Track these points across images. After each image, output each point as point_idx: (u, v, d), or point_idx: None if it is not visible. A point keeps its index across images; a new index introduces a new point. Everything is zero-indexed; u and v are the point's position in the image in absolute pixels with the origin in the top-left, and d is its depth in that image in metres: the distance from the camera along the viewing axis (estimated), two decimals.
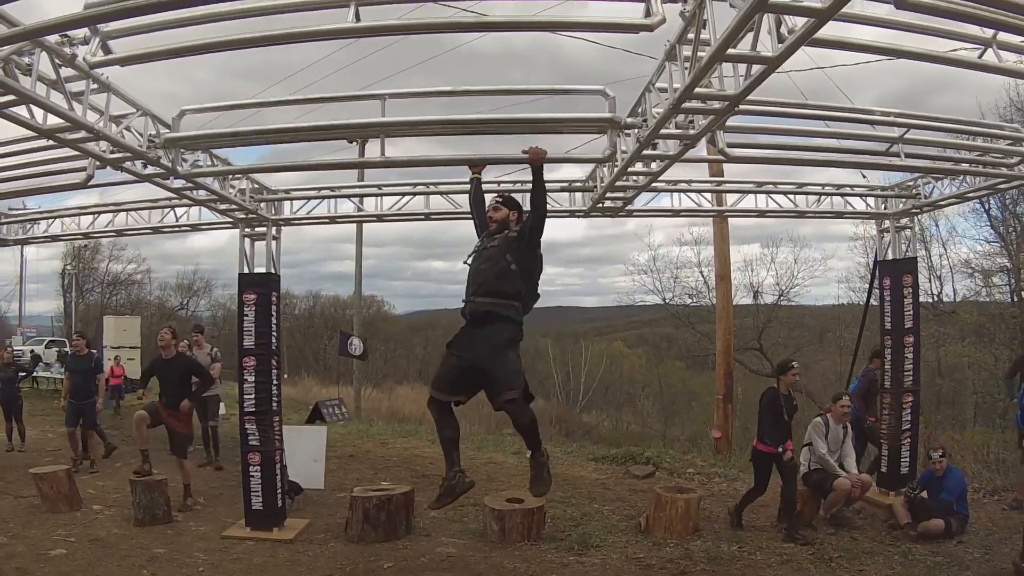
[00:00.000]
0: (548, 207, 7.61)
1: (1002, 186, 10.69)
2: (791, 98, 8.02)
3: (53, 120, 6.95)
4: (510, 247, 7.01)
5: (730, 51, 5.10)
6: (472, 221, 7.77)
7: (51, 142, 7.64)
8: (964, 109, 23.24)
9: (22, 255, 49.43)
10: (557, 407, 38.32)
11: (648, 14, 5.07)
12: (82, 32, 6.00)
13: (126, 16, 5.31)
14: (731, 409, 20.62)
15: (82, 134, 7.32)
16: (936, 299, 28.67)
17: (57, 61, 6.33)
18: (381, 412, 30.89)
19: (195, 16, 5.43)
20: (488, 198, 7.69)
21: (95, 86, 7.00)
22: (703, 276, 34.29)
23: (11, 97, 6.28)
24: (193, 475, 12.73)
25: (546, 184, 7.01)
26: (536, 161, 6.91)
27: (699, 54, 5.51)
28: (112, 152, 8.05)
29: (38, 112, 6.83)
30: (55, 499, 11.66)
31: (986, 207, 25.01)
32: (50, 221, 13.87)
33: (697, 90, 5.84)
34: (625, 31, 5.41)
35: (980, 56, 6.23)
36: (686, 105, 6.25)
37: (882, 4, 4.76)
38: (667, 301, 37.24)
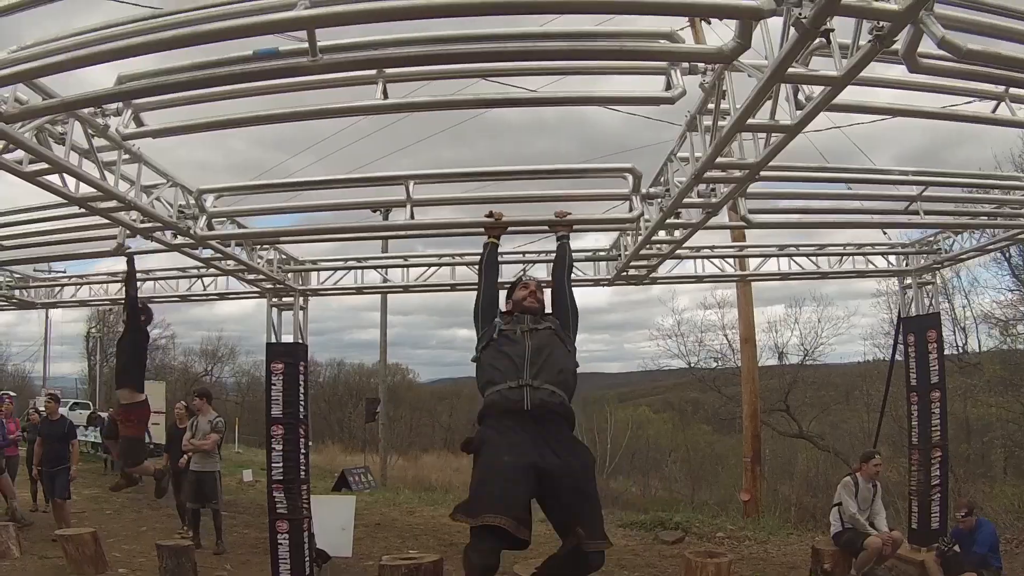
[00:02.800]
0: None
1: (1021, 236, 10.69)
2: (810, 159, 8.17)
3: (85, 189, 7.04)
4: (565, 337, 6.00)
5: (750, 121, 5.21)
6: (478, 282, 6.69)
7: (81, 210, 7.75)
8: (981, 162, 23.34)
9: (47, 317, 49.70)
10: None
11: (669, 87, 5.21)
12: (115, 104, 6.14)
13: (158, 93, 5.48)
14: (759, 471, 20.45)
15: (113, 203, 7.44)
16: (961, 351, 28.49)
17: (90, 131, 6.46)
18: (407, 480, 30.81)
19: (227, 91, 5.58)
20: (503, 269, 7.46)
21: (127, 156, 7.14)
22: (727, 339, 34.09)
23: (44, 165, 6.43)
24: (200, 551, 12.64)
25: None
26: (563, 225, 6.85)
27: (720, 123, 5.64)
28: (142, 221, 8.21)
29: (70, 180, 6.92)
30: (80, 561, 11.61)
31: (1007, 256, 24.84)
32: (77, 286, 13.98)
33: (718, 160, 5.95)
34: (647, 104, 5.55)
35: (994, 110, 6.26)
36: (708, 175, 6.35)
37: (895, 66, 4.85)
38: (692, 365, 37.14)
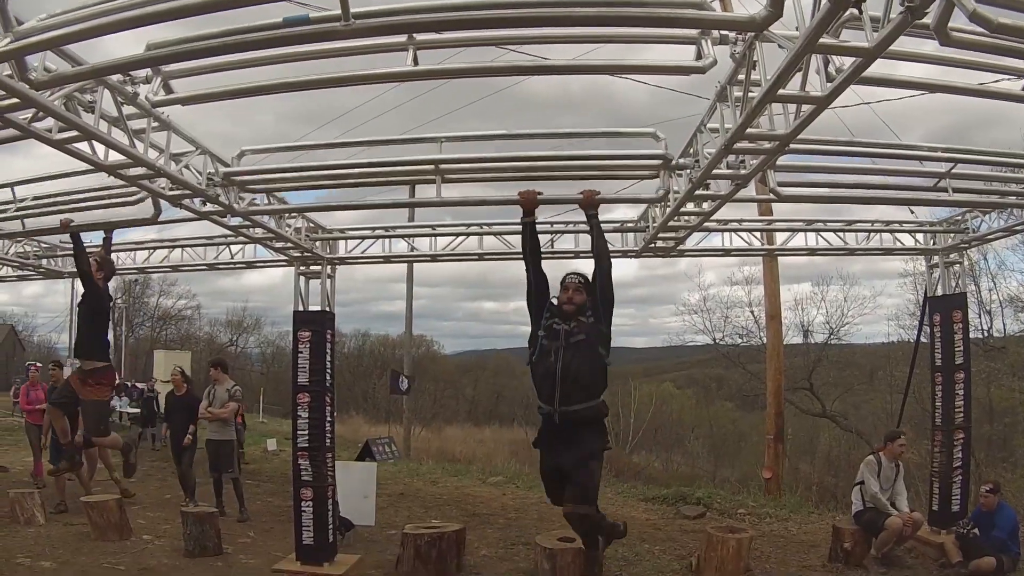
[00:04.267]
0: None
1: None
2: (839, 135, 8.08)
3: (114, 157, 7.11)
4: (599, 337, 6.78)
5: (780, 92, 5.19)
6: (526, 269, 7.23)
7: (110, 178, 7.88)
8: (1011, 142, 23.08)
9: (72, 287, 50.06)
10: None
11: (699, 56, 5.21)
12: (144, 72, 6.21)
13: (187, 58, 5.50)
14: (782, 449, 20.46)
15: (142, 170, 7.48)
16: (987, 335, 28.33)
17: (119, 99, 6.50)
18: (431, 452, 31.00)
19: (255, 59, 5.61)
20: (547, 269, 7.30)
21: (156, 124, 7.17)
22: (753, 316, 34.21)
23: (74, 133, 6.50)
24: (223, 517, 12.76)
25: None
26: (590, 204, 7.04)
27: (750, 94, 5.61)
28: (171, 189, 8.29)
29: (99, 148, 6.98)
30: (105, 528, 11.80)
31: None
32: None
33: (748, 131, 5.93)
34: (678, 73, 5.55)
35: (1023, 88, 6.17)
36: (737, 146, 6.34)
37: (927, 40, 4.82)
38: (717, 341, 37.18)
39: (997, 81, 6.44)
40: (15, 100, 5.66)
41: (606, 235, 10.70)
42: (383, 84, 6.24)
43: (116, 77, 6.19)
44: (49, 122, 6.41)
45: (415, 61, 5.29)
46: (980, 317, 28.69)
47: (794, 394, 31.03)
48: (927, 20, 4.35)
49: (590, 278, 7.03)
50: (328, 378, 11.18)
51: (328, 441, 11.06)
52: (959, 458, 11.75)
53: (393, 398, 32.17)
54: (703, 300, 37.79)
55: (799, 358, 34.07)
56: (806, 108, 5.67)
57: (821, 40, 4.41)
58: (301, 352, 11.15)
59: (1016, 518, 10.92)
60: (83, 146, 6.90)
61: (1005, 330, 28.51)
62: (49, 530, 12.11)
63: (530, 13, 4.52)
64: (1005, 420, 25.72)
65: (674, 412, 44.79)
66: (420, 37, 5.25)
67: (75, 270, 14.21)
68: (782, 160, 7.48)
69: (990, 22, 4.12)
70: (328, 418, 11.10)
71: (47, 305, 72.58)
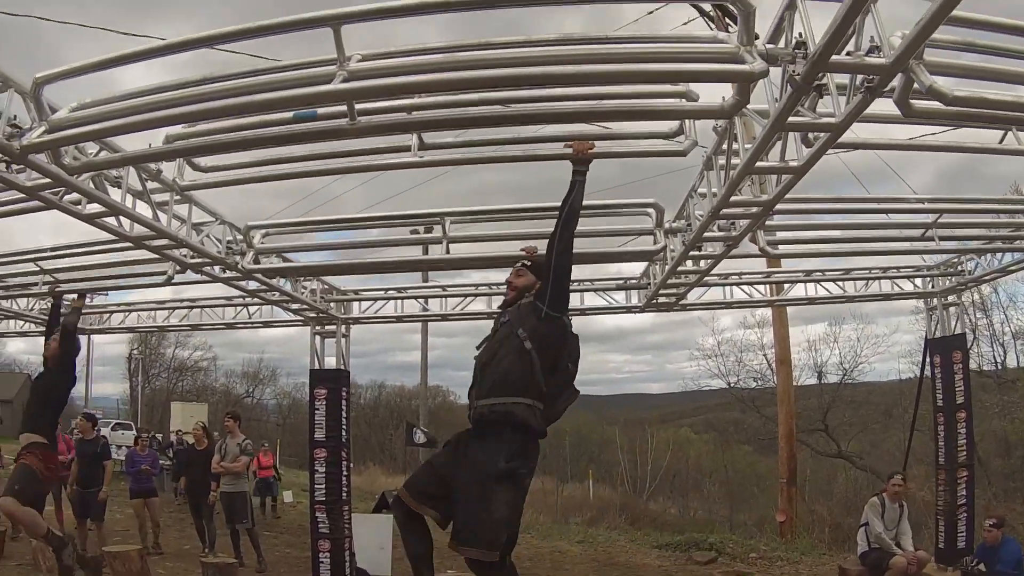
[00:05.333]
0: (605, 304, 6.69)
1: None
2: (845, 177, 8.47)
3: (139, 229, 7.46)
4: (524, 319, 5.39)
5: (758, 164, 5.57)
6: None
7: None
8: (1019, 174, 23.39)
9: (90, 339, 50.56)
10: (623, 495, 38.22)
11: (681, 130, 5.62)
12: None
13: (206, 153, 5.94)
14: (795, 492, 20.54)
15: (165, 241, 7.89)
16: (1000, 367, 28.45)
17: (144, 176, 6.94)
18: None
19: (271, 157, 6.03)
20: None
21: (178, 197, 7.56)
22: (767, 359, 34.13)
23: (102, 208, 6.87)
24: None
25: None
26: (582, 159, 5.33)
27: (733, 161, 5.99)
28: (191, 257, 8.69)
29: (125, 221, 7.34)
30: None
31: None
32: (125, 313, 14.42)
33: (733, 198, 6.30)
34: (662, 155, 5.98)
35: (1001, 140, 6.46)
36: (725, 211, 6.70)
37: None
38: (732, 385, 37.29)
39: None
40: (48, 180, 6.07)
41: (609, 292, 11.07)
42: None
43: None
44: (76, 195, 6.72)
45: (420, 141, 5.69)
46: (993, 350, 28.92)
47: (810, 436, 31.09)
48: (891, 93, 4.71)
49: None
50: (344, 433, 11.51)
51: (344, 494, 11.37)
52: (963, 496, 11.91)
53: (409, 449, 32.32)
54: (717, 345, 37.95)
55: (813, 399, 34.08)
56: (787, 176, 6.01)
57: (789, 119, 4.76)
58: (318, 409, 11.50)
59: (1020, 551, 11.09)
60: (110, 219, 7.27)
61: (1018, 362, 28.58)
62: None
63: (523, 110, 4.92)
64: (1018, 453, 25.78)
65: (691, 458, 44.72)
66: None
67: (97, 327, 14.73)
68: (777, 216, 7.85)
69: (945, 96, 4.48)
70: (344, 472, 11.42)
71: None
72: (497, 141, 6.15)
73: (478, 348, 5.62)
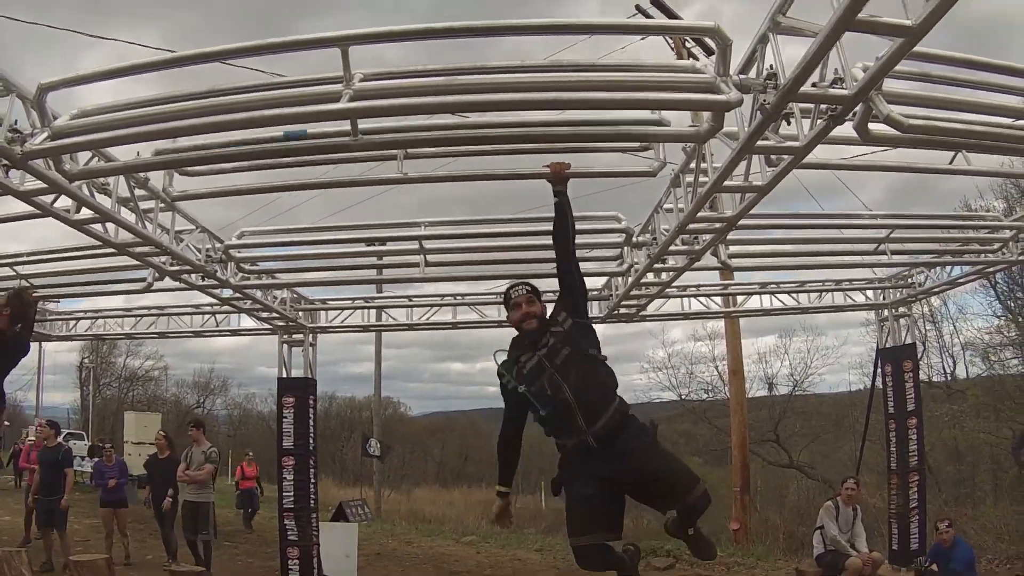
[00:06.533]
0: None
1: (988, 270, 11.47)
2: (798, 191, 8.87)
3: (123, 235, 7.66)
4: (579, 338, 5.43)
5: (725, 183, 5.93)
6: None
7: (109, 250, 8.34)
8: (968, 190, 24.10)
9: (41, 347, 49.82)
10: None
11: (649, 148, 5.96)
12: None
13: (199, 164, 6.18)
14: (749, 501, 20.88)
15: (148, 248, 8.09)
16: (951, 378, 29.09)
17: (132, 183, 7.16)
18: (402, 513, 31.20)
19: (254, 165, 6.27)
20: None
21: (163, 205, 7.81)
22: (718, 371, 34.49)
23: (91, 214, 7.07)
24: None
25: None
26: (560, 179, 5.48)
27: (701, 179, 6.34)
28: (171, 264, 8.87)
29: (110, 227, 7.53)
30: None
31: (992, 283, 25.30)
32: (92, 320, 14.42)
33: (698, 215, 6.65)
34: (633, 176, 6.40)
35: (951, 161, 6.79)
36: (690, 226, 7.06)
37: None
38: (683, 397, 37.60)
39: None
40: (43, 185, 6.25)
41: None
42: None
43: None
44: (66, 202, 6.90)
45: (402, 166, 5.98)
46: (943, 361, 29.53)
47: (761, 446, 31.46)
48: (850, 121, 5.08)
49: (555, 276, 5.77)
50: (311, 442, 11.73)
51: (312, 502, 11.55)
52: (915, 499, 12.37)
53: (363, 460, 32.41)
54: (668, 357, 38.22)
55: (765, 411, 34.50)
56: (750, 195, 6.37)
57: (758, 143, 5.10)
58: (286, 417, 11.68)
59: (972, 552, 11.56)
60: (96, 225, 7.45)
61: (968, 373, 29.19)
62: None
63: (510, 133, 5.24)
64: (967, 460, 26.41)
65: None
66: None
67: (64, 334, 14.65)
68: (736, 232, 8.21)
69: (901, 124, 4.86)
70: (312, 480, 11.61)
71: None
72: (476, 152, 6.44)
73: (541, 405, 5.33)
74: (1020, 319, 26.11)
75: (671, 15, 18.79)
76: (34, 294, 9.56)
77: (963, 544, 11.49)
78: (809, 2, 4.33)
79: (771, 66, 4.60)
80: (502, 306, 6.22)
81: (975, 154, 6.69)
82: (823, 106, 4.93)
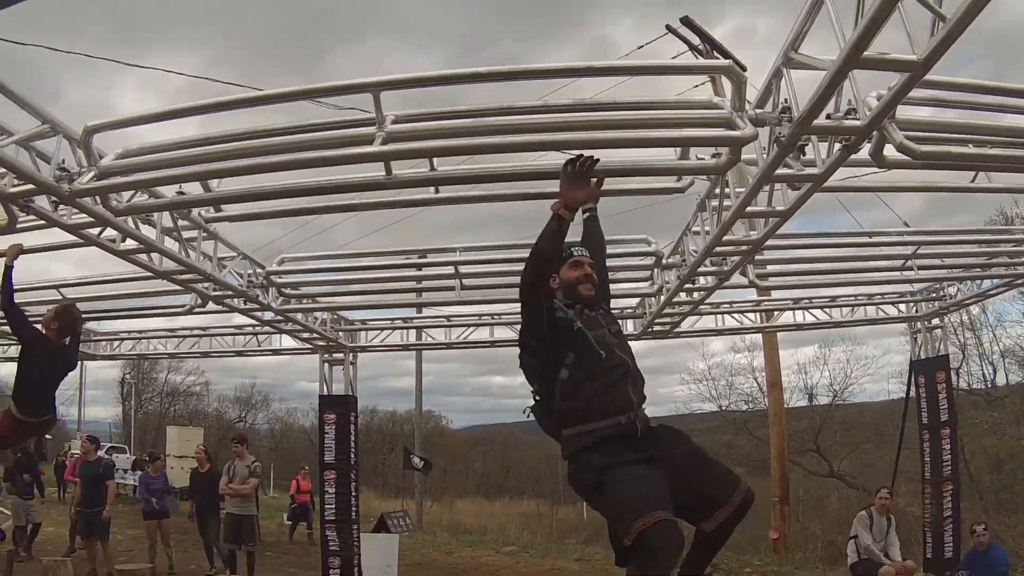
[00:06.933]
0: None
1: (1017, 281, 11.49)
2: (833, 203, 9.03)
3: (167, 264, 7.99)
4: (615, 320, 5.03)
5: (748, 209, 6.13)
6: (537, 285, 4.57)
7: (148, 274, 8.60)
8: (1005, 198, 24.03)
9: (82, 365, 50.55)
10: None
11: (679, 178, 6.16)
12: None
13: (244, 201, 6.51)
14: (787, 511, 20.87)
15: (192, 275, 8.43)
16: (991, 385, 28.97)
17: (176, 214, 7.43)
18: (443, 524, 31.46)
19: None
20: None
21: (205, 235, 8.10)
22: (757, 382, 34.54)
23: (137, 244, 7.38)
24: None
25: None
26: (592, 197, 5.05)
27: (726, 203, 6.55)
28: (214, 290, 9.22)
29: (154, 256, 7.87)
30: None
31: None
32: (136, 340, 14.83)
33: (724, 238, 6.86)
34: (662, 194, 6.54)
35: (973, 180, 6.95)
36: (718, 249, 7.27)
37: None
38: (723, 408, 37.70)
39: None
40: (90, 219, 6.57)
41: None
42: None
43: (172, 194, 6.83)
44: (111, 232, 7.20)
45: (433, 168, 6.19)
46: (983, 368, 29.44)
47: (803, 456, 31.48)
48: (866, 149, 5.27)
49: None
50: (352, 456, 12.02)
51: (353, 514, 11.83)
52: (949, 508, 12.38)
53: (405, 473, 32.71)
54: (708, 369, 38.46)
55: (805, 421, 34.43)
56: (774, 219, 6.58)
57: (776, 172, 5.30)
58: (327, 433, 11.99)
59: (1008, 557, 11.61)
60: (142, 255, 7.80)
61: (1008, 380, 29.09)
62: None
63: (537, 168, 5.47)
64: (1007, 467, 26.27)
65: None
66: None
67: (108, 354, 15.01)
68: (767, 251, 8.44)
69: (914, 152, 5.03)
70: (353, 492, 11.90)
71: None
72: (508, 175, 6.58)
73: (586, 356, 4.60)
74: None
75: (702, 34, 19.00)
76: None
77: (998, 549, 11.57)
78: (824, 36, 4.48)
79: (786, 100, 4.78)
80: None
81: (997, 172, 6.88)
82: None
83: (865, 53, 4.04)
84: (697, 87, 17.02)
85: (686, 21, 19.07)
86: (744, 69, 4.97)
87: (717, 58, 18.88)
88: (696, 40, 19.22)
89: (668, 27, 19.26)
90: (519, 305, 4.65)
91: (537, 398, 4.89)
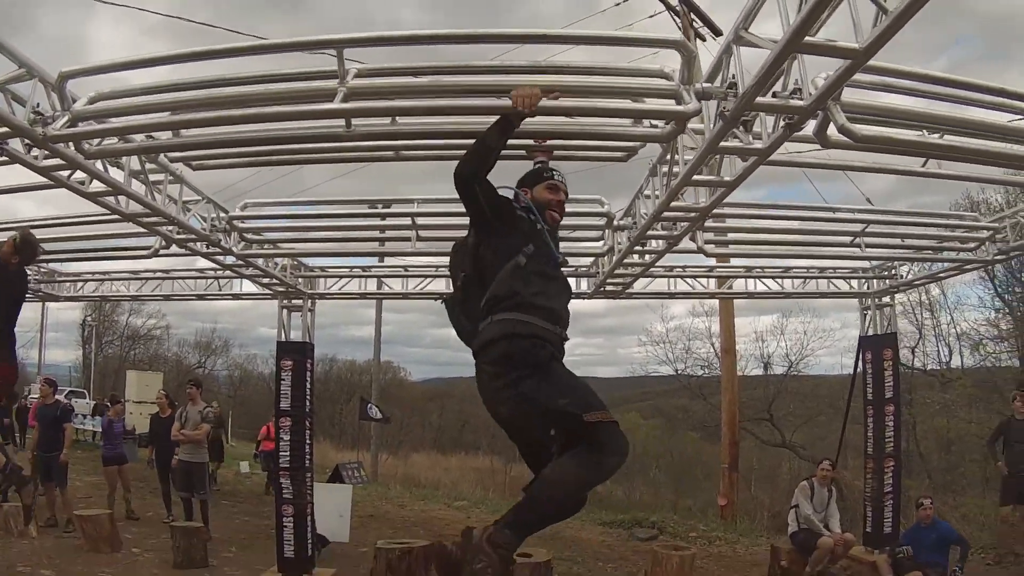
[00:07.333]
0: None
1: (967, 267, 11.86)
2: (798, 175, 9.31)
3: (134, 207, 8.10)
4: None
5: (695, 177, 6.36)
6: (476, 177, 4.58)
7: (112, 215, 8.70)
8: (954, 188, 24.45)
9: (43, 306, 50.17)
10: None
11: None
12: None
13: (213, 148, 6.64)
14: (736, 478, 21.23)
15: (157, 218, 8.57)
16: (946, 367, 29.60)
17: (143, 157, 7.59)
18: (398, 477, 31.75)
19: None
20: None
21: (171, 178, 8.29)
22: (714, 347, 34.38)
23: (104, 187, 7.49)
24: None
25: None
26: (545, 151, 5.46)
27: (675, 170, 6.77)
28: (178, 233, 9.33)
29: (122, 199, 7.96)
30: (97, 540, 12.61)
31: (991, 275, 25.88)
32: (99, 282, 14.85)
33: (672, 204, 7.08)
34: (614, 158, 6.75)
35: (923, 164, 7.19)
36: (666, 214, 7.49)
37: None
38: (679, 372, 38.07)
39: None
40: (61, 161, 6.68)
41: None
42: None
43: (140, 137, 6.96)
44: (80, 175, 7.29)
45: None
46: (939, 349, 30.05)
47: (756, 425, 31.86)
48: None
49: None
50: (308, 404, 12.12)
51: (307, 462, 11.96)
52: (890, 484, 12.72)
53: (361, 424, 32.93)
54: (666, 332, 38.68)
55: (760, 389, 34.85)
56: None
57: (722, 144, 5.52)
58: (284, 379, 12.08)
59: (953, 530, 11.97)
60: (110, 197, 7.87)
61: (963, 363, 29.78)
62: (43, 542, 12.82)
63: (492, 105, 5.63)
64: (954, 449, 26.86)
65: (639, 442, 45.40)
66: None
67: (73, 295, 14.98)
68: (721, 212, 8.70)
69: (855, 135, 5.25)
70: (307, 441, 12.02)
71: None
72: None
73: (543, 257, 4.67)
74: (1019, 312, 26.51)
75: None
76: (42, 256, 9.72)
77: (943, 524, 11.86)
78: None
79: (733, 75, 4.98)
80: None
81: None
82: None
83: (808, 38, 4.23)
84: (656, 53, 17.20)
85: None
86: (719, 33, 5.21)
87: (693, 20, 19.13)
88: (674, 1, 19.42)
89: None
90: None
91: (458, 283, 4.91)
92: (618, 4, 20.91)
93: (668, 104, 5.27)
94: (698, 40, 18.90)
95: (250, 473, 25.23)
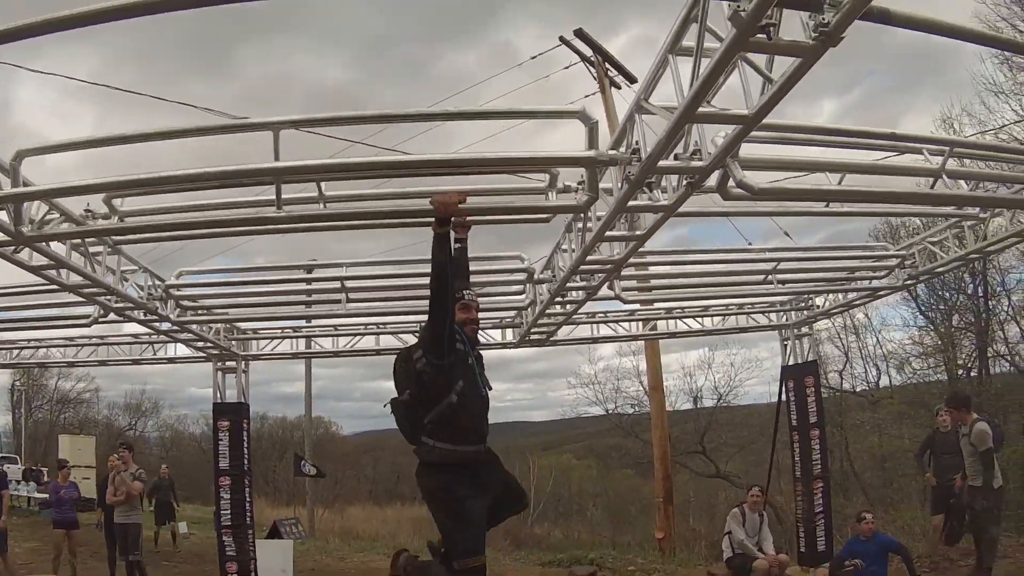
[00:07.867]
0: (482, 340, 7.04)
1: (880, 293, 12.47)
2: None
3: (74, 278, 8.33)
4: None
5: (608, 233, 6.80)
6: (441, 312, 5.21)
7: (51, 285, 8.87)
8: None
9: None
10: (508, 521, 38.43)
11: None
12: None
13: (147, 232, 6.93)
14: (672, 510, 21.39)
15: (96, 288, 8.77)
16: (875, 387, 30.31)
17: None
18: (335, 531, 31.48)
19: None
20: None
21: (109, 249, 8.47)
22: (642, 386, 34.16)
23: (48, 261, 7.67)
24: None
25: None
26: (465, 227, 5.81)
27: (589, 225, 7.18)
28: (116, 302, 9.53)
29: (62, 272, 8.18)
30: None
31: (914, 295, 26.45)
32: (35, 349, 14.84)
33: (588, 258, 7.51)
34: (529, 222, 7.18)
35: (827, 206, 7.57)
36: (583, 267, 7.93)
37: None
38: (610, 411, 38.40)
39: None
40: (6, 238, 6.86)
41: (488, 330, 12.21)
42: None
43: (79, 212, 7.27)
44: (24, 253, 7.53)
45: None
46: (867, 371, 30.70)
47: (690, 459, 32.24)
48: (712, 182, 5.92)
49: None
50: (246, 462, 12.27)
51: (248, 519, 12.10)
52: (820, 504, 13.16)
53: (295, 480, 32.70)
54: (595, 373, 38.87)
55: (691, 423, 35.28)
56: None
57: (630, 203, 5.94)
58: (221, 440, 12.24)
59: (894, 540, 12.40)
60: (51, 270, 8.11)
61: (891, 382, 30.32)
62: None
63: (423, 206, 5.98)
64: (886, 465, 27.48)
65: (574, 483, 45.51)
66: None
67: (9, 362, 14.95)
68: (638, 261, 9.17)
69: (752, 188, 5.69)
70: (248, 498, 12.16)
71: None
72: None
73: (469, 388, 5.43)
74: (942, 328, 27.26)
75: (595, 47, 19.74)
76: None
77: (883, 535, 12.19)
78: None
79: (636, 141, 5.40)
80: None
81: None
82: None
83: (701, 108, 4.65)
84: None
85: (580, 34, 19.76)
86: (633, 81, 5.66)
87: (608, 70, 19.67)
88: (589, 52, 19.94)
89: (562, 39, 19.93)
90: (427, 319, 5.30)
91: (404, 398, 5.63)
92: (534, 58, 21.50)
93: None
94: (612, 88, 19.49)
95: (188, 534, 24.91)
